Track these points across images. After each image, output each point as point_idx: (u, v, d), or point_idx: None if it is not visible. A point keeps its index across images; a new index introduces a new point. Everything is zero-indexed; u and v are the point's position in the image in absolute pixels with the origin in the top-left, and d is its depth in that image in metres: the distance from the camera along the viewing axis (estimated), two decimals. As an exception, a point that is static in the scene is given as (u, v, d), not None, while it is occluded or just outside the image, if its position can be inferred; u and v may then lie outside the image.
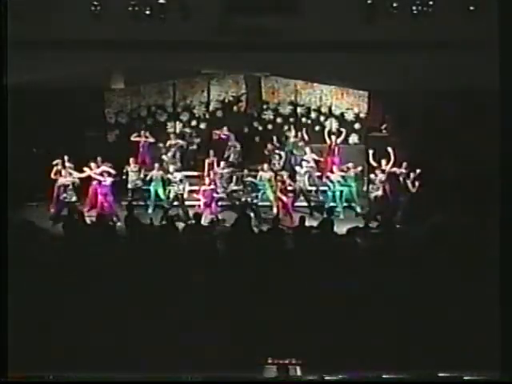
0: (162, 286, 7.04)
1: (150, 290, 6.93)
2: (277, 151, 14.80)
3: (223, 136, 15.14)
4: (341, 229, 9.31)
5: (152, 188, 13.75)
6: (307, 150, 14.56)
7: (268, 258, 7.82)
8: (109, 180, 13.15)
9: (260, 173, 13.58)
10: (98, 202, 13.25)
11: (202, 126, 16.11)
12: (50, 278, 7.02)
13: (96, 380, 5.50)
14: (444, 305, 6.67)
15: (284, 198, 13.09)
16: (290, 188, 13.33)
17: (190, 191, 13.71)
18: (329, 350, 6.09)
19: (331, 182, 13.78)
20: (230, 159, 14.77)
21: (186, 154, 15.24)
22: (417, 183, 13.04)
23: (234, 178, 13.73)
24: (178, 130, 15.95)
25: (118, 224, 11.94)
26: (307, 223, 10.19)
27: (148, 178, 13.90)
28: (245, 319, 6.53)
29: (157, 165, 13.99)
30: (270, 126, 16.16)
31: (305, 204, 13.83)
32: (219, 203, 13.33)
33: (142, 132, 14.97)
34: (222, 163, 13.96)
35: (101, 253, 8.15)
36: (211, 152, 14.53)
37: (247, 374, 5.53)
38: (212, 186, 13.11)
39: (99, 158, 13.52)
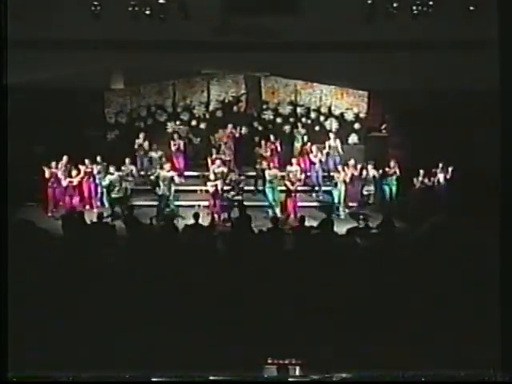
0: (161, 286, 7.04)
1: (150, 290, 6.94)
2: (279, 150, 14.74)
3: (230, 135, 15.08)
4: (341, 229, 9.32)
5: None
6: (313, 149, 14.51)
7: (268, 258, 7.83)
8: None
9: (266, 171, 13.49)
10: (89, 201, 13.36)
11: (202, 125, 16.08)
12: (49, 278, 7.03)
13: (96, 380, 5.50)
14: (444, 305, 6.68)
15: (289, 197, 13.02)
16: (296, 187, 13.25)
17: (191, 191, 13.69)
18: (329, 349, 6.09)
19: (335, 181, 13.65)
20: (230, 158, 14.72)
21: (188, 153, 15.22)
22: (418, 183, 13.04)
23: (235, 177, 13.66)
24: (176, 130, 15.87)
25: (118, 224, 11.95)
26: (307, 223, 10.19)
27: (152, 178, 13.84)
28: (244, 319, 6.54)
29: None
30: (269, 126, 16.12)
31: (309, 204, 13.78)
32: (223, 203, 13.26)
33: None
34: (218, 161, 13.88)
35: (100, 252, 8.17)
36: (214, 151, 14.47)
37: (247, 374, 5.53)
38: (215, 185, 13.01)
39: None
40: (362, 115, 15.68)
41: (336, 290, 6.93)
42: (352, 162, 13.52)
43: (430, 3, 11.53)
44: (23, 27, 10.65)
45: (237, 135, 15.07)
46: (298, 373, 5.60)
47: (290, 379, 5.65)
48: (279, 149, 14.68)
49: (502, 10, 6.79)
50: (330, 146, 14.67)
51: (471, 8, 11.42)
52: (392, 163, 13.38)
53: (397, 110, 14.93)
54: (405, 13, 11.66)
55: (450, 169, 12.93)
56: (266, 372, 5.59)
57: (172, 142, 14.80)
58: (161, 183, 13.02)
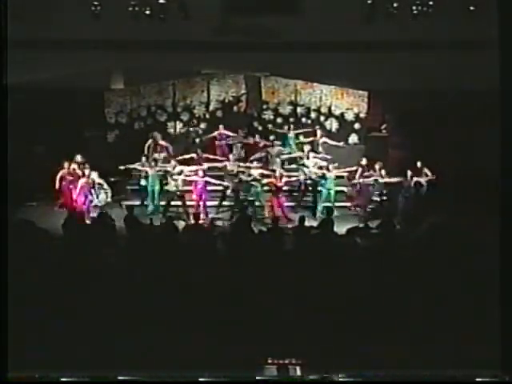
0: (161, 286, 7.04)
1: (150, 290, 6.94)
2: (272, 149, 14.75)
3: (223, 134, 15.11)
4: (341, 229, 9.31)
5: (149, 187, 13.67)
6: (306, 148, 14.50)
7: (268, 258, 7.82)
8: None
9: (252, 171, 13.45)
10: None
11: (202, 125, 16.09)
12: (50, 278, 7.02)
13: (96, 380, 5.50)
14: (444, 304, 6.67)
15: (277, 197, 12.99)
16: (285, 187, 13.24)
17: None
18: (329, 349, 6.08)
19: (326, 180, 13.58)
20: (231, 157, 14.72)
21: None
22: (417, 183, 13.05)
23: (232, 176, 13.66)
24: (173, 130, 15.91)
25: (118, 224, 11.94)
26: (307, 223, 10.18)
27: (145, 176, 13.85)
28: (244, 319, 6.53)
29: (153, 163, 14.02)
30: (269, 126, 16.13)
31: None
32: (213, 201, 13.25)
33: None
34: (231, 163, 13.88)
35: (100, 251, 8.17)
36: (199, 150, 14.48)
37: (247, 374, 5.53)
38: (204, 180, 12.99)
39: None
40: (362, 115, 15.69)
41: (336, 290, 6.93)
42: (363, 161, 13.60)
43: (430, 3, 11.54)
44: (23, 27, 10.65)
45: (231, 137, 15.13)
46: (298, 373, 5.59)
47: (289, 379, 5.65)
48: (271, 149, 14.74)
49: (502, 10, 6.79)
50: (326, 146, 14.71)
51: (471, 8, 11.43)
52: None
53: (397, 110, 14.95)
54: (405, 13, 11.67)
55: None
56: (266, 372, 5.59)
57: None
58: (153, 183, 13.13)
